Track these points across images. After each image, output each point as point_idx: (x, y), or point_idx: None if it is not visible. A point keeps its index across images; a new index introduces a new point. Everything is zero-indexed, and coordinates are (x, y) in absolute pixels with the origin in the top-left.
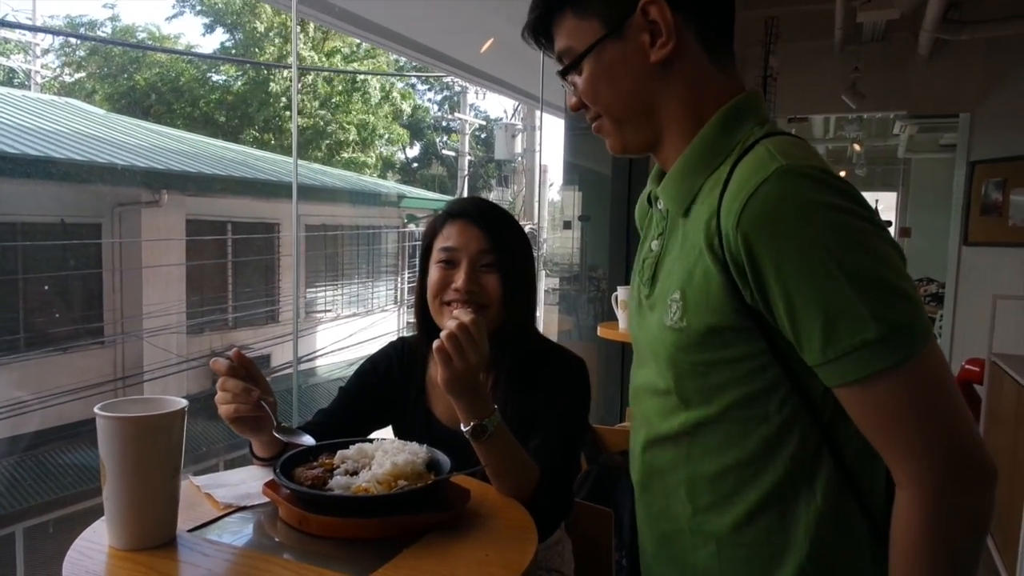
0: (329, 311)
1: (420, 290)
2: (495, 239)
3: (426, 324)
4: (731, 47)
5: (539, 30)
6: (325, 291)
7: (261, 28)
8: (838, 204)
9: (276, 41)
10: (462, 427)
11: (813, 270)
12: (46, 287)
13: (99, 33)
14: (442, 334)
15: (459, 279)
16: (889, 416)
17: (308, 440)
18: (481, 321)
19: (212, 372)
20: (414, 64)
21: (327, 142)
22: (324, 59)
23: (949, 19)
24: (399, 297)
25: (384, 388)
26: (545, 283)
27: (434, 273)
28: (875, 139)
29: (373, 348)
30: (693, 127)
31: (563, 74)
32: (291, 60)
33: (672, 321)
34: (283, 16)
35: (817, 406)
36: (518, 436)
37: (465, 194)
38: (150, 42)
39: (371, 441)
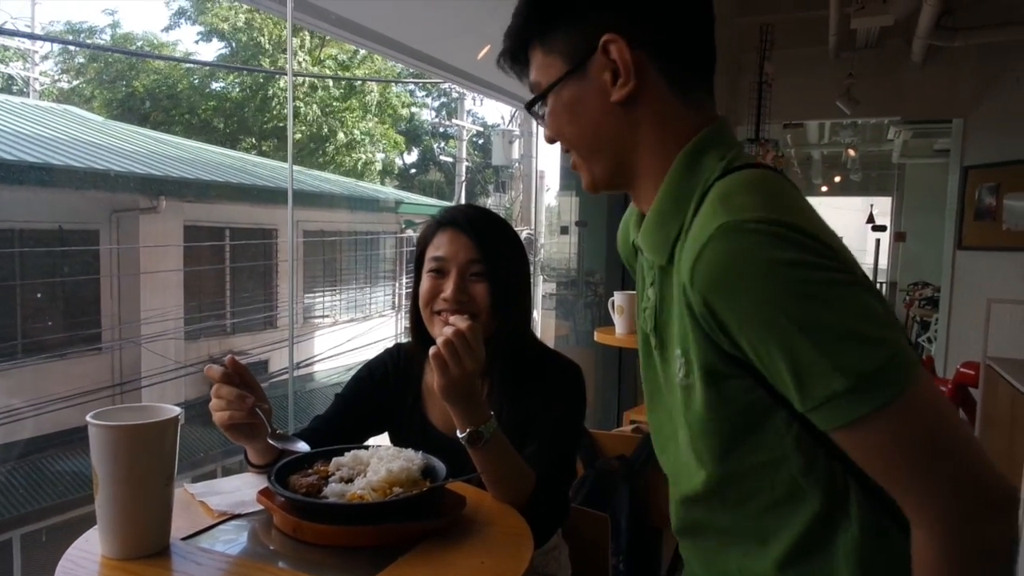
0: (327, 316)
1: (414, 298)
2: (484, 247)
3: (420, 332)
4: (703, 79)
5: (513, 59)
6: (323, 296)
7: (261, 40)
8: (786, 259)
9: (269, 50)
10: (458, 433)
11: (770, 330)
12: (43, 293)
13: (98, 39)
14: (438, 341)
15: (448, 288)
16: (886, 458)
17: (303, 447)
18: (477, 327)
19: (207, 379)
20: (411, 71)
21: (329, 147)
22: (321, 67)
23: (942, 26)
24: (396, 302)
25: (380, 395)
26: (542, 288)
27: (425, 282)
28: (869, 144)
29: (371, 353)
30: (662, 167)
31: (528, 107)
32: (287, 66)
33: (680, 379)
34: (280, 27)
35: (826, 440)
36: (514, 442)
37: (463, 199)
38: (148, 49)
39: (366, 448)
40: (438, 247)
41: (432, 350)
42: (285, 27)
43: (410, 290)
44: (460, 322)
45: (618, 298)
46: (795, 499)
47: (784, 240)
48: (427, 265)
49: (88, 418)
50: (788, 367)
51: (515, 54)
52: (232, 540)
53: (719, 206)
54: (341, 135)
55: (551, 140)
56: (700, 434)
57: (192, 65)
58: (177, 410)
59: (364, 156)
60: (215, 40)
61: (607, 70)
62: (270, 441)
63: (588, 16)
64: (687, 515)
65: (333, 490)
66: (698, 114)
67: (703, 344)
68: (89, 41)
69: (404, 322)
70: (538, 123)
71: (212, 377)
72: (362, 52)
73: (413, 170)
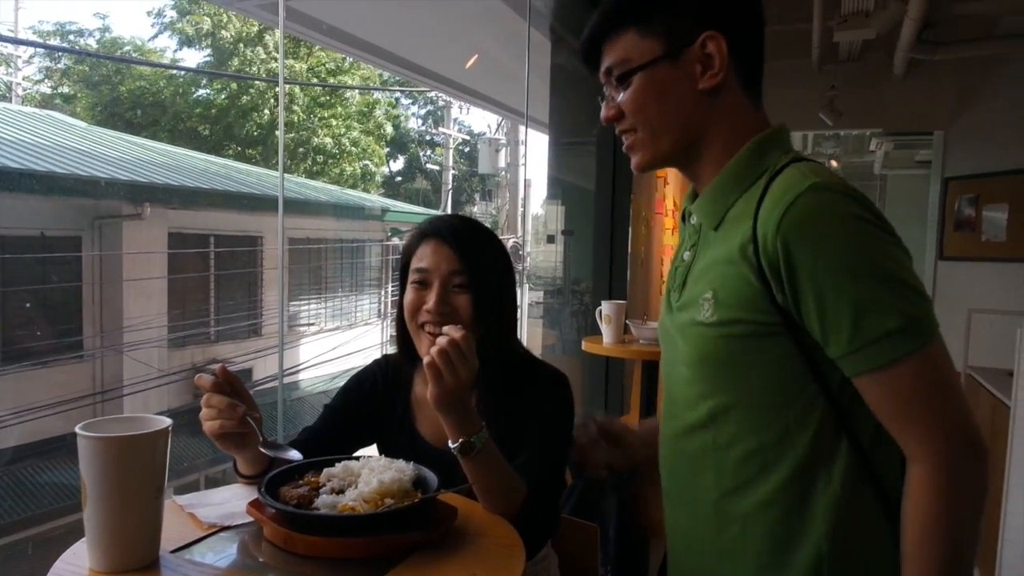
0: (312, 324)
1: (399, 309)
2: (467, 258)
3: (406, 343)
4: (760, 82)
5: (597, 41)
6: (308, 304)
7: (224, 34)
8: (863, 216)
9: (247, 53)
10: (450, 444)
11: (844, 270)
12: (25, 301)
13: (87, 43)
14: (432, 350)
15: (430, 300)
16: (907, 398)
17: (295, 455)
18: (471, 337)
19: (196, 387)
20: (397, 78)
21: (310, 154)
22: (306, 72)
23: (923, 39)
24: (382, 310)
25: (369, 406)
26: (528, 297)
27: (409, 293)
28: (852, 155)
29: (356, 361)
30: (727, 152)
31: (620, 80)
32: (279, 74)
33: (704, 317)
34: (249, 25)
35: (835, 394)
36: (503, 453)
37: (449, 208)
38: (135, 55)
39: (357, 459)
40: (421, 258)
41: (426, 359)
42: (250, 25)
43: (396, 299)
44: (454, 331)
45: (605, 307)
46: (782, 446)
47: (861, 203)
48: (411, 276)
49: (77, 429)
50: (850, 306)
51: (605, 31)
52: (222, 552)
53: (808, 174)
54: (329, 140)
55: (612, 119)
56: (716, 365)
57: (177, 71)
58: (168, 421)
59: (355, 168)
60: (195, 47)
61: (698, 61)
62: (262, 450)
63: (694, 11)
64: (683, 447)
65: (324, 501)
66: (759, 112)
67: (751, 293)
68: (72, 47)
69: (390, 330)
70: (605, 100)
71: (202, 386)
72: (349, 59)
73: (399, 178)
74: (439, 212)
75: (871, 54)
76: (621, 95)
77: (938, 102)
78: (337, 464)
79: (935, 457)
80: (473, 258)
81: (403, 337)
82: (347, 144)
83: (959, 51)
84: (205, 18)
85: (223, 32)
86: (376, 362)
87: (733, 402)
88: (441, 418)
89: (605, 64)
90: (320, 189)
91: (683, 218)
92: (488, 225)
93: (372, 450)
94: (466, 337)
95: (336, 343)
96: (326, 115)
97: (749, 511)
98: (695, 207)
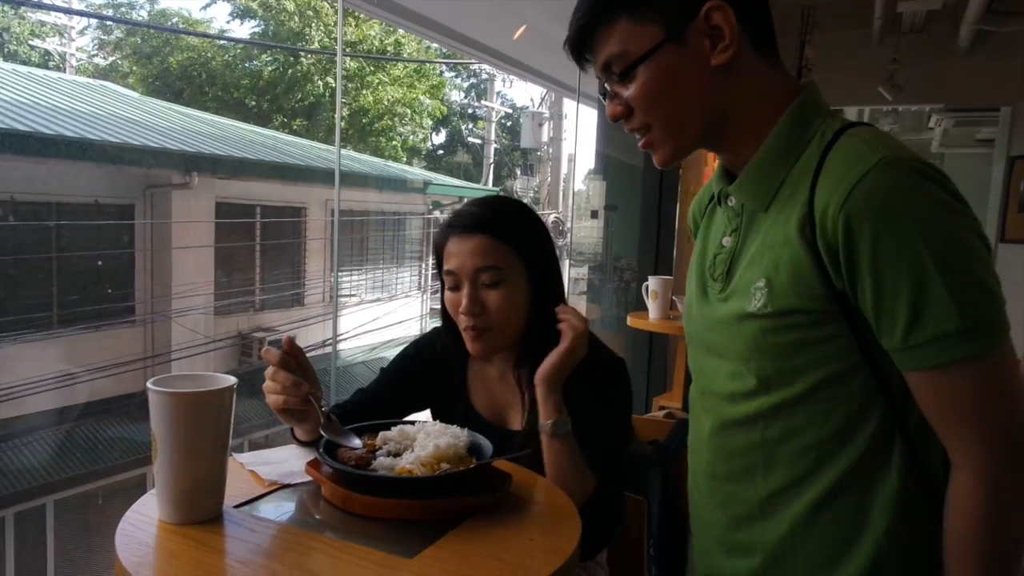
0: (353, 295)
1: (442, 306)
2: (492, 250)
3: (454, 338)
4: (775, 41)
5: (585, 37)
6: (351, 275)
7: (290, 7)
8: (938, 198)
9: (300, 25)
10: (542, 421)
11: (909, 259)
12: (79, 266)
13: (137, 15)
14: (576, 329)
15: (463, 302)
16: (960, 403)
17: (356, 443)
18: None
19: (262, 360)
20: (443, 51)
21: (358, 126)
22: (357, 38)
23: (993, 10)
24: (422, 283)
25: (426, 374)
26: (570, 273)
27: (447, 295)
28: (909, 133)
29: (396, 333)
30: (758, 125)
31: (623, 77)
32: (337, 48)
33: (756, 307)
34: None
35: (891, 386)
36: None
37: (491, 182)
38: (183, 26)
39: (412, 423)
40: (449, 257)
41: (580, 326)
42: None
43: (435, 271)
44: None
45: (652, 283)
46: (841, 440)
47: (941, 184)
48: (445, 280)
49: (149, 384)
50: (908, 298)
51: (593, 28)
52: (282, 509)
53: (875, 145)
54: (383, 104)
55: (620, 116)
56: (771, 357)
57: (225, 42)
58: (233, 380)
59: (408, 132)
60: (247, 18)
61: (705, 36)
62: (323, 432)
63: None
64: (725, 444)
65: (382, 463)
66: (784, 76)
67: (808, 278)
68: (126, 17)
69: (429, 303)
70: (608, 98)
71: (270, 360)
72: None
73: (441, 151)
74: (480, 186)
75: (935, 25)
76: (628, 90)
77: (1006, 77)
78: (393, 427)
79: (977, 466)
80: (503, 242)
81: (451, 332)
82: (401, 109)
83: None
84: None
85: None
86: (435, 330)
87: (788, 396)
88: (545, 394)
89: (601, 59)
90: (364, 161)
91: (717, 200)
92: (529, 200)
93: (425, 415)
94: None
95: (377, 314)
96: (374, 82)
97: (802, 510)
98: (736, 188)
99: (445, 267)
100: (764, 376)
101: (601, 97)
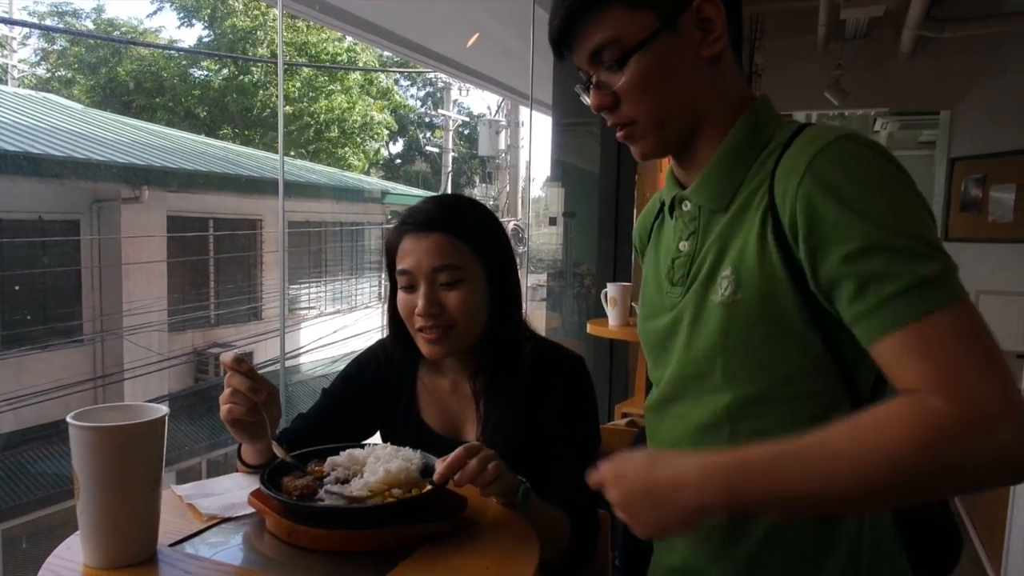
0: (312, 308)
1: (391, 307)
2: (450, 249)
3: (404, 342)
4: (742, 45)
5: (574, 22)
6: (308, 288)
7: (238, 23)
8: (896, 169)
9: (246, 24)
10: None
11: (874, 217)
12: (23, 285)
13: (82, 24)
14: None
15: (419, 303)
16: (941, 348)
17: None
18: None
19: (221, 363)
20: (397, 59)
21: (311, 135)
22: (306, 50)
23: (932, 16)
24: (382, 293)
25: (371, 393)
26: (530, 280)
27: (399, 297)
28: None
29: (356, 345)
30: (726, 124)
31: (618, 65)
32: (278, 55)
33: (724, 296)
34: (261, 6)
35: (857, 384)
36: (525, 446)
37: (449, 190)
38: (131, 36)
39: (362, 447)
40: (403, 256)
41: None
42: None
43: (388, 294)
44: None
45: (611, 290)
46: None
47: (892, 160)
48: (398, 280)
49: (68, 419)
50: (880, 255)
51: (584, 14)
52: (223, 545)
53: (834, 128)
54: (336, 119)
55: (604, 107)
56: (738, 350)
57: (175, 52)
58: (164, 409)
59: (362, 141)
60: (196, 24)
61: (696, 27)
62: (278, 454)
63: None
64: (679, 451)
65: (329, 491)
66: (743, 80)
67: (773, 262)
68: (69, 28)
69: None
70: (590, 86)
71: (226, 363)
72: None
73: (399, 160)
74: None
75: (878, 31)
76: (619, 80)
77: (945, 81)
78: (341, 452)
79: (956, 393)
80: (462, 241)
81: (401, 336)
82: (353, 117)
83: (967, 29)
84: None
85: (223, 6)
86: (379, 343)
87: (755, 395)
88: (495, 498)
89: (589, 47)
90: (319, 171)
91: (668, 209)
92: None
93: (375, 440)
94: (484, 457)
95: (336, 326)
96: (327, 90)
97: (772, 520)
98: (694, 190)
99: (399, 267)
100: (730, 371)
101: (582, 88)
